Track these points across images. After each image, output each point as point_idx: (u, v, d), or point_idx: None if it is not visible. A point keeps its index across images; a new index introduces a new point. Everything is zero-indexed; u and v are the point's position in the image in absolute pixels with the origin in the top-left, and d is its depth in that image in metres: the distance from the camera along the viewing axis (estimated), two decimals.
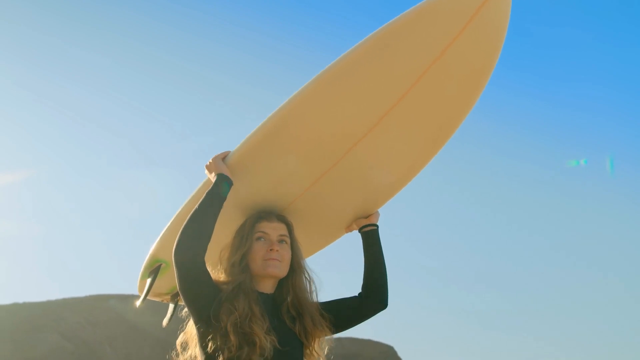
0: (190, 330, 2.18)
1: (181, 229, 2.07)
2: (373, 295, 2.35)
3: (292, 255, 2.27)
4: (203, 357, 2.05)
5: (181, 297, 2.10)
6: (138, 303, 2.78)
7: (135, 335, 38.19)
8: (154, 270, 2.67)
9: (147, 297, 2.73)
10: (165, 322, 2.80)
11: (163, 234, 2.58)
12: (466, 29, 1.93)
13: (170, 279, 2.63)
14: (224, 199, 2.16)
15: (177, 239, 2.06)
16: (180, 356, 2.23)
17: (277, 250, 2.20)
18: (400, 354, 42.58)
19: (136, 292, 2.87)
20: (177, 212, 2.48)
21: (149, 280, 2.68)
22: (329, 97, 2.11)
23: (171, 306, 2.84)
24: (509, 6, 1.97)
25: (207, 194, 2.16)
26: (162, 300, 2.87)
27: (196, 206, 2.12)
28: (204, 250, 2.07)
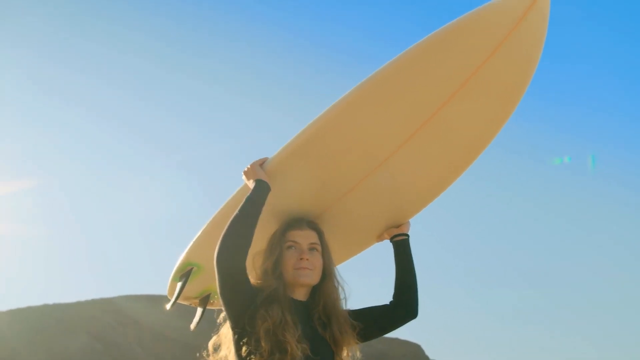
0: (225, 333, 2.20)
1: (222, 234, 2.11)
2: (403, 305, 2.36)
3: (323, 262, 2.27)
4: None
5: (220, 300, 2.12)
6: (168, 306, 2.79)
7: (164, 336, 38.51)
8: (185, 273, 2.68)
9: (177, 301, 2.75)
10: (193, 325, 2.81)
11: (197, 238, 2.58)
12: (508, 38, 1.96)
13: (201, 283, 2.71)
14: (263, 204, 2.19)
15: (218, 244, 2.10)
16: (211, 357, 2.24)
17: (307, 259, 2.21)
18: (427, 352, 42.47)
19: (165, 293, 2.89)
20: (212, 217, 2.50)
21: (179, 284, 2.69)
22: (368, 106, 2.13)
23: (199, 310, 2.85)
24: (547, 15, 2.00)
25: (247, 199, 2.18)
26: (191, 304, 2.88)
27: (236, 212, 2.15)
28: (245, 255, 2.10)
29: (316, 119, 2.19)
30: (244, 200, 2.19)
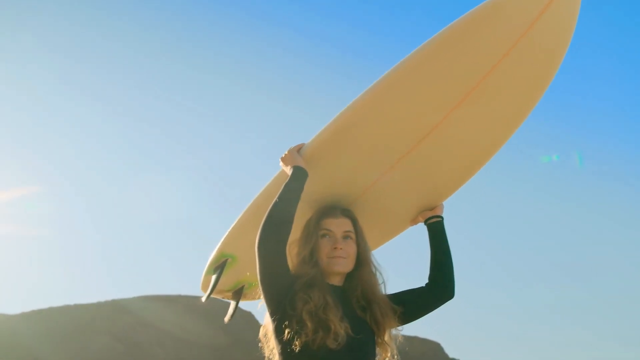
0: (268, 322, 2.21)
1: (263, 221, 2.14)
2: (441, 286, 2.38)
3: (358, 249, 2.28)
4: (279, 347, 2.11)
5: (260, 287, 2.15)
6: (203, 299, 2.78)
7: (184, 336, 38.74)
8: (219, 265, 2.68)
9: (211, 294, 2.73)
10: (227, 318, 2.82)
11: (232, 229, 2.59)
12: (537, 21, 1.97)
13: (234, 274, 2.71)
14: (302, 190, 2.22)
15: (259, 231, 2.13)
16: (265, 346, 2.27)
17: (341, 248, 2.23)
18: (447, 350, 42.33)
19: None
20: (248, 207, 2.52)
21: (214, 277, 2.69)
22: (402, 90, 2.15)
23: (233, 303, 2.84)
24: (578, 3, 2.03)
25: (286, 186, 2.21)
26: (224, 297, 2.87)
27: (276, 199, 2.17)
28: (286, 242, 2.14)
29: (352, 103, 2.20)
30: (282, 186, 2.20)
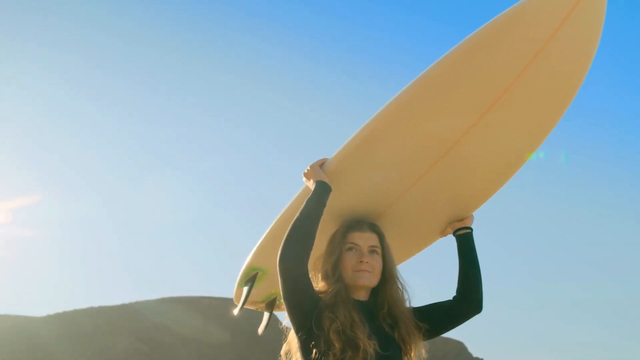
0: (292, 339, 2.17)
1: (284, 237, 2.10)
2: (469, 299, 2.32)
3: (383, 264, 2.24)
4: None
5: (285, 305, 2.11)
6: (236, 311, 2.78)
7: (207, 337, 38.98)
8: (250, 278, 2.68)
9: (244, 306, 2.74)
10: (261, 329, 2.82)
11: (260, 243, 2.59)
12: (565, 22, 1.92)
13: (266, 287, 2.71)
14: (324, 206, 2.18)
15: (281, 247, 2.09)
16: None
17: (367, 262, 2.18)
18: (470, 349, 42.08)
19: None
20: (275, 221, 2.50)
21: (245, 289, 2.69)
22: (428, 100, 2.10)
23: (266, 314, 2.84)
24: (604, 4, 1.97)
25: (308, 201, 2.17)
26: (257, 309, 2.88)
27: (297, 214, 2.14)
28: (307, 258, 2.09)
29: (378, 113, 2.15)
30: (304, 202, 2.17)
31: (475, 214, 2.45)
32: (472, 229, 2.44)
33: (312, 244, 2.10)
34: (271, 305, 2.81)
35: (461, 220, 2.44)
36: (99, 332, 36.97)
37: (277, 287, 2.67)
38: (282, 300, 2.77)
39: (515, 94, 2.05)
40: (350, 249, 2.21)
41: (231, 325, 35.88)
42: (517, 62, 1.98)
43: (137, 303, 40.85)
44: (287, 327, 2.24)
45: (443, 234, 2.50)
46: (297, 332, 2.10)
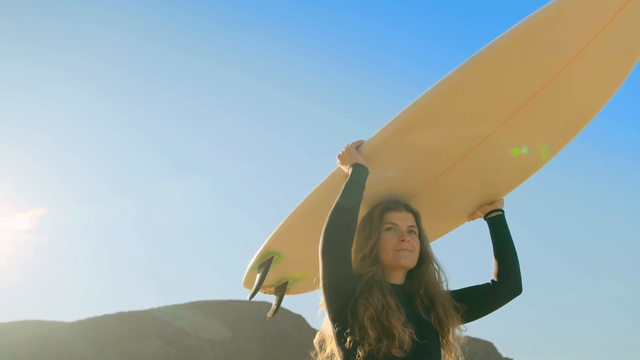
0: (327, 328, 2.12)
1: (326, 224, 2.03)
2: (508, 281, 2.28)
3: (420, 245, 2.20)
4: (342, 354, 2.01)
5: (324, 295, 2.05)
6: (249, 296, 2.72)
7: (235, 340, 39.12)
8: (265, 262, 2.63)
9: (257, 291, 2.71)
10: (270, 314, 2.77)
11: (279, 227, 2.55)
12: (616, 16, 1.89)
13: (279, 271, 2.68)
14: (364, 189, 2.12)
15: (322, 235, 2.02)
16: (319, 355, 2.19)
17: (408, 241, 2.13)
18: (500, 350, 41.61)
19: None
20: (298, 206, 2.46)
21: (259, 274, 2.65)
22: (469, 87, 2.07)
23: (276, 298, 2.80)
24: None
25: (347, 185, 2.11)
26: (266, 292, 2.82)
27: (338, 199, 2.07)
28: (351, 246, 2.04)
29: (419, 98, 2.12)
30: (343, 186, 2.11)
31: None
32: (503, 211, 2.40)
33: (355, 231, 2.06)
34: (281, 289, 2.77)
35: (491, 203, 2.41)
36: (128, 337, 37.31)
37: (291, 271, 2.66)
38: (292, 284, 2.76)
39: (557, 87, 2.03)
40: (389, 229, 2.16)
41: (259, 329, 35.96)
42: (562, 54, 1.96)
43: (165, 307, 41.17)
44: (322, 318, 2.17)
45: (472, 217, 2.49)
46: (333, 321, 2.04)
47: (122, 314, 40.21)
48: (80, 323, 38.60)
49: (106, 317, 39.43)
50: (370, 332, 1.94)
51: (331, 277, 2.02)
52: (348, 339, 1.96)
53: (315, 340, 2.21)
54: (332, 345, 2.11)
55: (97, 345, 35.54)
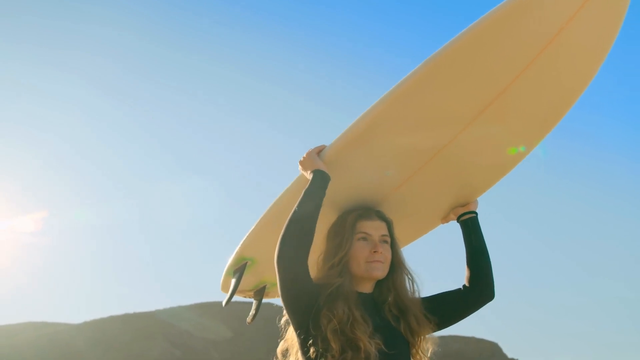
0: (291, 337, 2.06)
1: (282, 233, 1.97)
2: (480, 286, 2.20)
3: (392, 254, 2.13)
4: None
5: (283, 304, 2.00)
6: (224, 303, 2.71)
7: (240, 341, 39.13)
8: (239, 268, 2.62)
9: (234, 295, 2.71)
10: (249, 319, 2.75)
11: (250, 233, 2.52)
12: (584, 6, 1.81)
13: (256, 275, 2.66)
14: (324, 197, 2.05)
15: (278, 244, 1.96)
16: None
17: (380, 252, 2.07)
18: (505, 350, 41.46)
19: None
20: (265, 211, 2.42)
21: (234, 280, 2.63)
22: (435, 84, 1.99)
23: (255, 302, 2.78)
24: None
25: (306, 192, 2.04)
26: (246, 297, 2.81)
27: (295, 208, 2.01)
28: (307, 255, 1.96)
29: (378, 101, 2.04)
30: (302, 194, 2.04)
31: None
32: (476, 213, 2.34)
33: (312, 240, 1.98)
34: (260, 293, 2.75)
35: (464, 205, 2.35)
36: (134, 338, 37.38)
37: (267, 274, 2.61)
38: (271, 288, 2.77)
39: (527, 80, 1.95)
40: (362, 238, 2.09)
41: (263, 330, 35.98)
42: (530, 46, 1.89)
43: (170, 309, 41.23)
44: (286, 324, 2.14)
45: (445, 220, 2.42)
46: (295, 330, 1.99)
47: (128, 316, 40.30)
48: (86, 325, 38.70)
49: (112, 319, 39.52)
50: (333, 344, 1.88)
51: (287, 288, 1.95)
52: (312, 350, 1.91)
53: (279, 349, 2.14)
54: (297, 355, 2.03)
55: (103, 347, 35.62)
